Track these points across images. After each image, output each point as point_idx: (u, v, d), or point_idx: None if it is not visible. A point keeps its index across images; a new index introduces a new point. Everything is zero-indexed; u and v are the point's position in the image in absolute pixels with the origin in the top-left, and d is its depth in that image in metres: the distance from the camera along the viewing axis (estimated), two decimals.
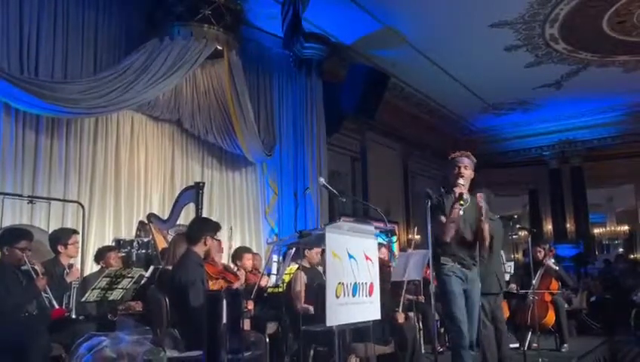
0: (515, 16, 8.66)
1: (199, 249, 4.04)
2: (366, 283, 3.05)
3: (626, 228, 14.67)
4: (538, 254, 6.75)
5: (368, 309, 3.07)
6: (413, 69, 10.39)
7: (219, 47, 7.20)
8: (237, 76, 7.56)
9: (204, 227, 4.23)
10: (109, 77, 6.37)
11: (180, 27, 6.90)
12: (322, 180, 3.78)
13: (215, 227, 4.28)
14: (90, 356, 1.55)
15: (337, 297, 2.78)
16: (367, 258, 3.10)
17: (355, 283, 2.95)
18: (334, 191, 3.83)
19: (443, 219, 3.81)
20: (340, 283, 2.81)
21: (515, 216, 5.52)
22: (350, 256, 2.94)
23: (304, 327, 3.49)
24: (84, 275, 5.17)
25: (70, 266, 4.52)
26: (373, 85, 9.44)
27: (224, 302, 1.57)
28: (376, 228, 3.29)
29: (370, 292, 3.10)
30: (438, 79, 10.84)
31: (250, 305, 5.00)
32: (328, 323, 2.68)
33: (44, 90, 5.80)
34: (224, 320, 1.58)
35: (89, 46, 6.60)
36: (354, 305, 2.93)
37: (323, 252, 4.10)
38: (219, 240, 4.39)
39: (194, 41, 6.92)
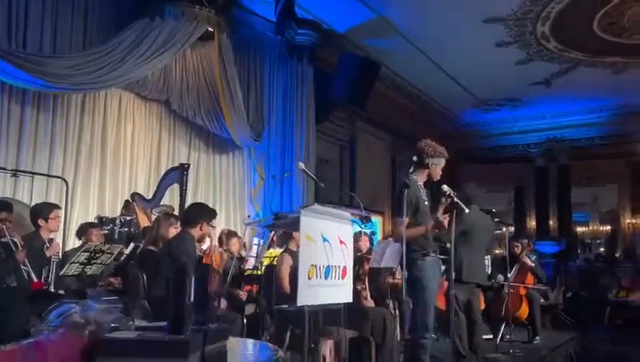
0: (507, 12, 8.71)
1: (195, 232, 4.12)
2: (339, 267, 3.12)
3: (608, 228, 14.88)
4: (515, 249, 6.87)
5: (340, 292, 3.14)
6: (405, 60, 10.42)
7: (210, 29, 7.20)
8: (227, 59, 7.56)
9: (202, 212, 4.31)
10: (98, 53, 6.35)
11: (171, 7, 6.88)
12: (302, 165, 3.83)
13: (212, 214, 4.38)
14: (58, 321, 1.60)
15: (309, 279, 2.84)
16: (341, 242, 3.17)
17: (328, 265, 3.02)
18: (313, 176, 3.90)
19: (441, 217, 3.82)
20: (312, 265, 2.87)
21: (494, 210, 5.58)
22: (324, 240, 3.00)
23: (277, 307, 3.55)
24: (66, 250, 5.20)
25: (50, 241, 4.54)
26: (364, 74, 9.46)
27: (191, 275, 1.63)
28: (353, 214, 3.35)
29: (343, 276, 3.17)
30: (429, 72, 10.88)
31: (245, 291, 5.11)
32: (299, 303, 2.75)
33: (31, 63, 5.77)
34: (190, 293, 1.63)
35: (79, 21, 6.57)
36: (326, 287, 2.99)
37: None
38: (214, 227, 4.45)
39: (185, 22, 6.91)
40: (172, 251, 3.83)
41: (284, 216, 3.08)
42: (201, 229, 4.12)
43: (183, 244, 3.89)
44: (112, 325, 1.73)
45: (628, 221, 13.64)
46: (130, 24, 6.68)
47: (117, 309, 1.76)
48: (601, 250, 15.16)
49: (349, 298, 3.27)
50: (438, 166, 4.08)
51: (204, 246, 5.33)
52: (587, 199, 15.16)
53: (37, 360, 1.40)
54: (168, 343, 1.55)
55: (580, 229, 15.32)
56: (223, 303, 4.57)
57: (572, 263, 12.81)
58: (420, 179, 4.03)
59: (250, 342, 2.68)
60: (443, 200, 3.78)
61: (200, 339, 1.68)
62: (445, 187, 3.81)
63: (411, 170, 4.07)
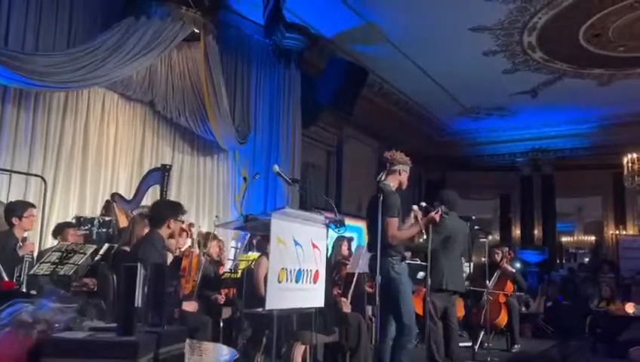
0: (494, 21, 8.76)
1: (163, 231, 4.01)
2: (311, 271, 3.10)
3: (592, 238, 15.00)
4: (496, 256, 6.89)
5: (311, 296, 3.12)
6: (393, 66, 10.45)
7: (196, 30, 7.17)
8: (213, 61, 7.53)
9: (167, 209, 4.17)
10: (81, 52, 6.29)
11: (157, 7, 6.85)
12: (276, 167, 3.81)
13: (178, 209, 4.22)
14: (7, 320, 1.57)
15: (279, 282, 2.82)
16: (314, 246, 3.15)
17: (300, 269, 2.99)
18: (287, 178, 3.86)
19: (416, 228, 3.90)
20: (283, 268, 2.85)
21: (473, 218, 5.60)
22: (296, 243, 2.98)
23: (247, 310, 3.52)
24: (41, 250, 5.13)
25: (24, 240, 4.48)
26: (351, 80, 9.49)
27: (140, 276, 1.60)
28: (327, 218, 3.33)
29: (315, 280, 3.15)
30: (417, 79, 10.92)
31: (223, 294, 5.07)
32: (267, 307, 2.72)
33: (13, 60, 5.70)
34: (139, 294, 1.60)
35: (63, 19, 6.52)
36: (297, 291, 2.97)
37: None
38: (183, 222, 4.36)
39: (170, 22, 6.88)
40: (138, 254, 3.77)
41: (254, 218, 3.05)
42: (168, 227, 3.98)
43: (147, 249, 3.78)
44: (66, 325, 1.70)
45: (611, 232, 13.75)
46: (115, 22, 6.64)
47: (71, 309, 1.72)
48: (585, 260, 15.28)
49: (320, 302, 3.24)
50: (405, 173, 4.22)
51: (184, 248, 5.29)
52: (572, 209, 15.30)
53: None
54: (117, 344, 1.52)
55: (564, 239, 15.45)
56: (193, 306, 4.51)
57: (555, 272, 12.90)
58: (394, 186, 4.10)
59: (211, 345, 2.65)
60: (419, 214, 3.85)
61: (153, 341, 1.65)
62: (415, 207, 3.93)
63: (382, 177, 4.15)
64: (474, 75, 10.60)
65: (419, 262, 5.76)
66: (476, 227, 5.70)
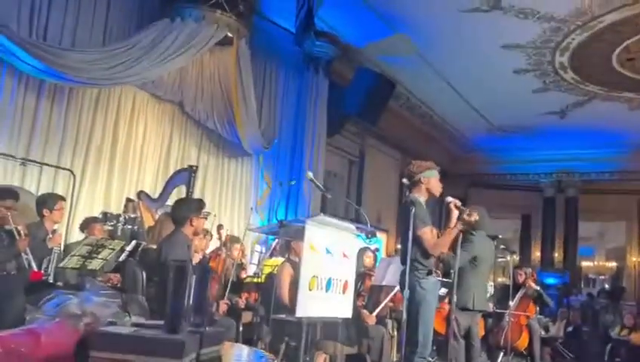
0: (527, 40, 8.70)
1: (187, 230, 4.04)
2: (340, 280, 3.07)
3: (614, 264, 14.72)
4: (519, 277, 6.79)
5: (340, 306, 3.09)
6: (421, 79, 10.42)
7: (229, 35, 7.23)
8: (244, 66, 7.59)
9: (188, 207, 4.21)
10: (116, 50, 6.39)
11: (192, 9, 6.92)
12: (310, 174, 3.81)
13: (199, 206, 4.26)
14: (55, 310, 1.57)
15: (310, 290, 2.80)
16: (344, 255, 3.12)
17: (330, 278, 2.97)
18: (320, 186, 3.85)
19: (453, 230, 3.79)
20: (314, 276, 2.83)
21: (500, 236, 5.51)
22: (328, 251, 2.96)
23: (274, 316, 3.50)
24: (67, 243, 5.18)
25: (54, 232, 4.53)
26: (378, 91, 9.49)
27: (192, 274, 1.60)
28: (358, 228, 3.31)
29: (344, 290, 3.12)
30: (444, 93, 10.87)
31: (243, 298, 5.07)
32: (298, 314, 2.70)
33: (50, 55, 5.81)
34: (189, 293, 1.60)
35: (100, 17, 6.62)
36: (326, 300, 2.95)
37: None
38: (206, 218, 4.36)
39: (205, 25, 6.94)
40: (162, 253, 3.79)
41: (289, 224, 3.04)
42: (191, 225, 4.02)
43: (172, 247, 3.80)
44: (109, 320, 1.70)
45: (634, 259, 13.48)
46: (151, 23, 6.73)
47: (115, 304, 1.73)
48: (606, 286, 14.98)
49: (348, 313, 3.21)
50: (431, 178, 3.98)
51: (208, 249, 5.29)
52: (593, 233, 15.04)
53: (30, 347, 1.38)
54: (164, 342, 1.52)
55: (584, 263, 15.17)
56: (224, 307, 4.51)
57: (574, 297, 12.67)
58: (421, 197, 3.92)
59: (245, 348, 2.63)
60: (455, 210, 3.73)
61: (196, 342, 1.65)
62: (450, 198, 3.79)
63: (408, 193, 3.99)
64: (503, 93, 10.53)
65: (440, 278, 5.69)
66: (502, 246, 5.60)
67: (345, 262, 3.14)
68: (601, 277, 15.44)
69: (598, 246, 15.48)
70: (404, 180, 4.07)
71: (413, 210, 3.60)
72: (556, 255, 13.89)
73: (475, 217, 3.87)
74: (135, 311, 2.12)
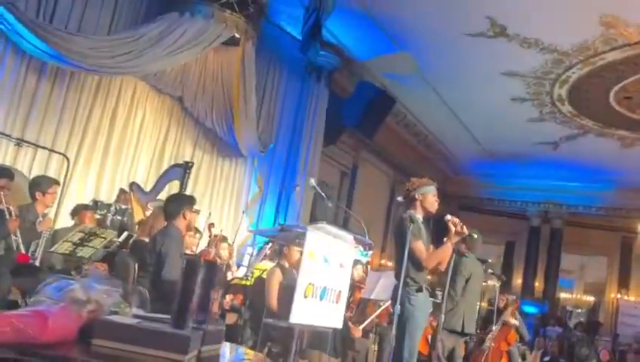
0: (528, 69, 8.82)
1: (180, 223, 4.02)
2: (334, 290, 3.06)
3: (591, 299, 14.85)
4: (500, 302, 6.82)
5: (332, 316, 3.08)
6: (419, 98, 10.51)
7: (237, 35, 7.22)
8: (248, 68, 7.58)
9: (180, 201, 4.21)
10: (122, 40, 6.36)
11: (202, 6, 6.91)
12: (313, 181, 3.80)
13: (191, 200, 4.27)
14: (60, 294, 1.54)
15: (305, 297, 2.79)
16: (341, 265, 3.12)
17: (325, 287, 2.96)
18: (323, 194, 3.85)
19: (449, 245, 3.78)
20: (310, 283, 2.82)
21: (489, 261, 5.54)
22: (325, 260, 2.95)
23: (266, 320, 3.48)
24: (56, 228, 5.11)
25: (44, 215, 4.46)
26: (378, 105, 9.54)
27: (201, 269, 1.58)
28: (356, 239, 3.31)
29: (337, 300, 3.11)
30: (441, 114, 10.97)
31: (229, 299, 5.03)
32: (292, 320, 2.69)
33: (55, 38, 5.75)
34: (197, 288, 1.58)
35: (109, 4, 6.58)
36: (319, 309, 2.93)
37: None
38: (198, 212, 4.34)
39: (213, 23, 6.93)
40: (156, 245, 3.77)
41: (289, 229, 3.03)
42: (184, 218, 4.02)
43: (167, 239, 3.80)
44: (111, 309, 1.67)
45: (613, 295, 13.62)
46: (159, 15, 6.70)
47: (116, 292, 1.70)
48: (581, 319, 15.08)
49: (339, 323, 3.20)
50: (428, 194, 3.92)
51: (196, 248, 5.25)
52: (575, 266, 15.18)
53: (38, 329, 1.35)
54: (171, 336, 1.49)
55: (563, 295, 15.29)
56: (216, 303, 4.47)
57: (551, 328, 12.75)
58: (417, 214, 3.87)
59: (240, 348, 2.61)
60: (453, 228, 3.71)
61: (199, 339, 1.63)
62: (449, 216, 3.77)
63: (403, 210, 3.95)
64: (499, 119, 10.65)
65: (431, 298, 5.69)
66: (490, 271, 5.63)
67: (341, 273, 3.13)
68: (578, 310, 15.56)
69: (577, 279, 15.63)
70: (399, 198, 4.06)
71: (410, 227, 3.60)
72: (537, 284, 13.99)
73: (466, 231, 3.85)
74: (136, 302, 2.09)
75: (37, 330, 1.34)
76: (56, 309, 1.46)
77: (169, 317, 1.63)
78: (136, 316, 1.71)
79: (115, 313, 1.67)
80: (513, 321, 6.81)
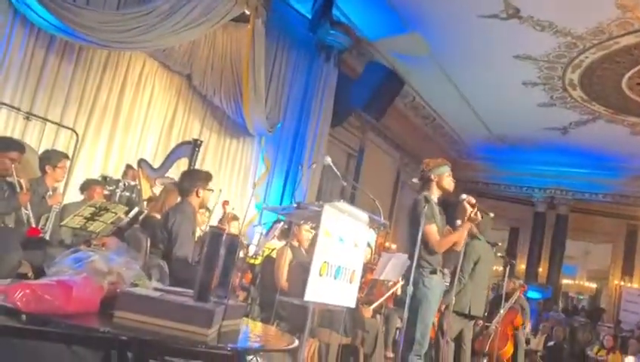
0: (540, 53, 8.70)
1: (193, 200, 3.98)
2: (349, 270, 3.04)
3: (594, 285, 14.86)
4: (509, 286, 6.81)
5: (346, 295, 3.06)
6: (429, 81, 10.40)
7: (246, 12, 7.13)
8: (257, 45, 7.50)
9: (195, 178, 4.14)
10: (132, 14, 6.27)
11: None
12: (328, 159, 3.75)
13: (206, 177, 4.18)
14: (82, 264, 1.51)
15: (320, 275, 2.76)
16: (355, 245, 3.09)
17: (339, 266, 2.94)
18: (338, 172, 3.81)
19: (463, 229, 3.76)
20: (325, 261, 2.80)
21: (499, 244, 5.52)
22: (340, 239, 2.92)
23: (279, 297, 3.47)
24: (66, 203, 5.10)
25: (54, 189, 4.44)
26: (387, 86, 9.45)
27: (224, 241, 1.55)
28: (371, 219, 3.27)
29: (351, 280, 3.09)
30: (450, 97, 10.86)
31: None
32: (306, 298, 2.67)
33: (64, 11, 5.67)
34: (220, 261, 1.55)
35: None
36: (334, 288, 2.91)
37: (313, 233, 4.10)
38: (212, 190, 4.30)
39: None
40: (168, 222, 3.74)
41: (305, 206, 3.00)
42: (197, 195, 3.97)
43: (181, 215, 3.76)
44: (131, 282, 1.65)
45: (616, 282, 13.63)
46: None
47: (137, 265, 1.67)
48: (584, 305, 15.14)
49: (352, 303, 3.18)
50: (443, 174, 3.91)
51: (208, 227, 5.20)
52: (579, 253, 15.15)
53: (62, 299, 1.32)
54: (194, 309, 1.47)
55: (565, 281, 15.30)
56: None
57: (554, 313, 12.78)
58: (432, 195, 3.86)
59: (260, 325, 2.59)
60: (469, 208, 3.69)
61: (220, 313, 1.60)
62: (464, 195, 3.74)
63: (420, 190, 3.93)
64: (509, 103, 10.54)
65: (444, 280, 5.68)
66: (499, 254, 5.61)
67: (355, 252, 3.10)
68: (580, 296, 15.60)
69: (580, 266, 15.62)
70: (415, 180, 4.03)
71: (425, 208, 3.57)
72: (540, 270, 13.99)
73: (479, 217, 3.83)
74: (156, 276, 2.07)
75: (62, 301, 1.31)
76: (79, 279, 1.43)
77: (190, 291, 1.61)
78: (156, 289, 1.68)
79: (135, 285, 1.65)
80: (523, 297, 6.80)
